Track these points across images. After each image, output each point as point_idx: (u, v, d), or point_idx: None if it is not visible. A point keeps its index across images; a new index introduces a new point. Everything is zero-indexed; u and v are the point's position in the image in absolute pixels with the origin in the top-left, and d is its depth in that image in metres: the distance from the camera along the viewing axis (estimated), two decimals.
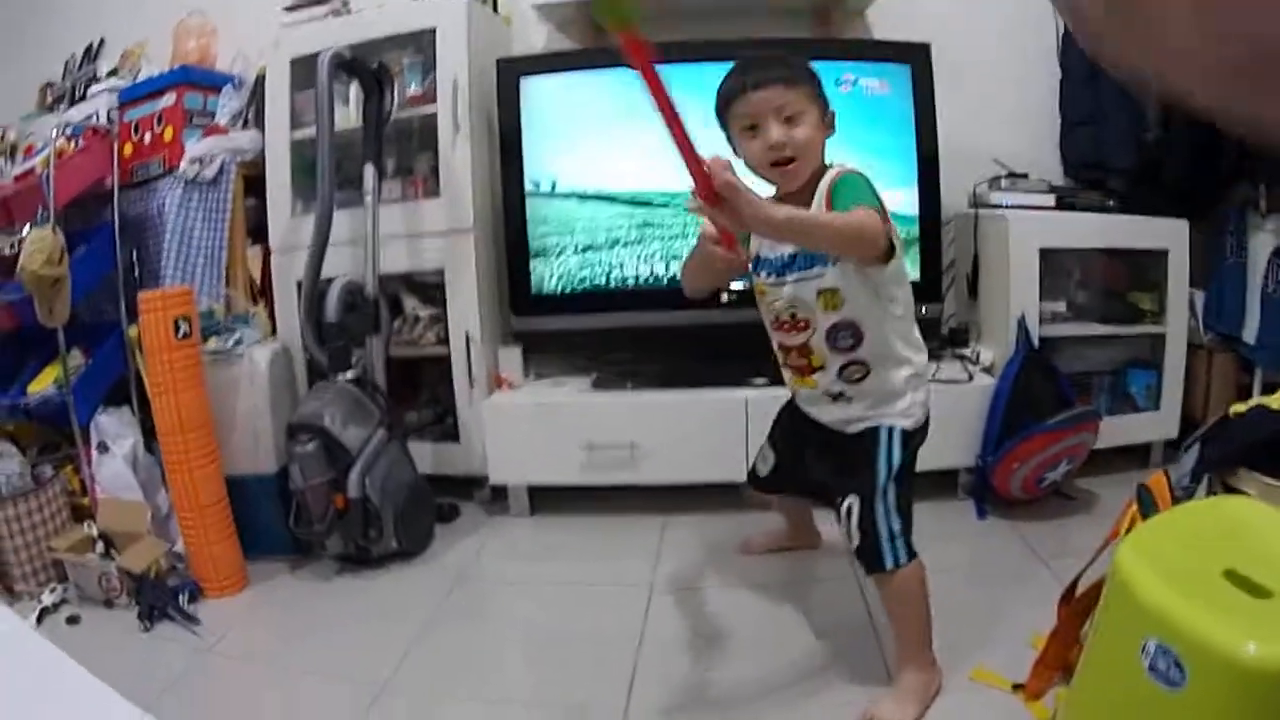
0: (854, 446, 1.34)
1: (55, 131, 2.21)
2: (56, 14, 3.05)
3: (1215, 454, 1.60)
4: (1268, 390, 1.91)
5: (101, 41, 2.97)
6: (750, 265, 1.34)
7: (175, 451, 1.82)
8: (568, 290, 2.12)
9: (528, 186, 2.10)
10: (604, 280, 2.10)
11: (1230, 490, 1.55)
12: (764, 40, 2.14)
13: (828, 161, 1.29)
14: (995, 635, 1.45)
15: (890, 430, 1.31)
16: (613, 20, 0.70)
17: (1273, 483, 1.47)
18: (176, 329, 1.80)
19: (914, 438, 1.34)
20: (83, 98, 2.99)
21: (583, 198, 2.10)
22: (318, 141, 1.92)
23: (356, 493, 1.82)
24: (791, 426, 1.50)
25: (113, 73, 2.72)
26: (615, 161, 2.06)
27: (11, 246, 2.31)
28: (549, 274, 2.12)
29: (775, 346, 1.39)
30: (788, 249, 1.29)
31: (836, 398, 1.34)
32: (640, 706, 1.33)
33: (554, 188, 2.10)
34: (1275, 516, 0.98)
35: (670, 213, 2.07)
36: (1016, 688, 1.30)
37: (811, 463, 1.46)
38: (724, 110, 1.29)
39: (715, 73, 1.31)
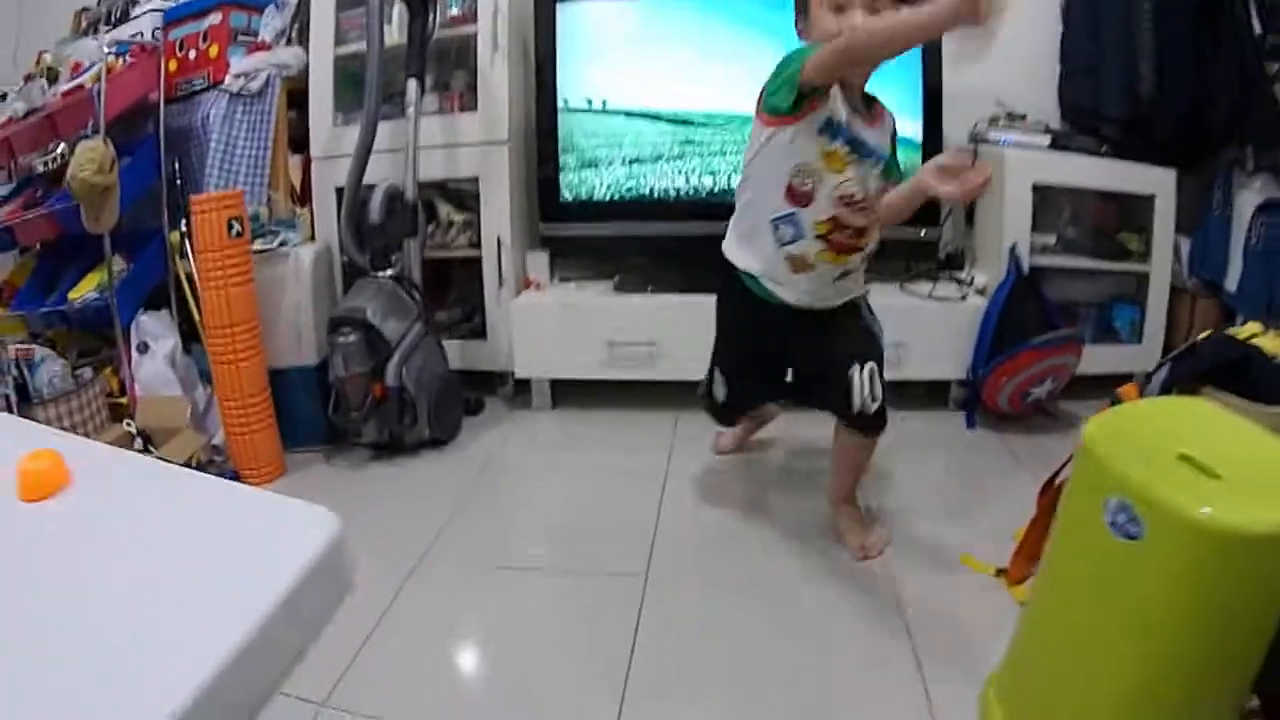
0: (847, 319, 1.49)
1: (104, 48, 2.37)
2: None
3: (1182, 371, 1.80)
4: None
5: None
6: (831, 136, 1.34)
7: (222, 345, 1.97)
8: (595, 199, 2.30)
9: (572, 103, 2.29)
10: (632, 192, 2.28)
11: None
12: None
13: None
14: (981, 528, 1.63)
15: (867, 300, 1.51)
16: None
17: (1232, 399, 1.67)
18: (229, 228, 1.95)
19: None
20: (120, 20, 3.14)
21: (625, 114, 2.28)
22: (367, 58, 2.09)
23: (394, 381, 1.99)
24: (761, 334, 1.55)
25: None
26: (651, 81, 2.27)
27: (52, 161, 2.46)
28: (589, 183, 2.30)
29: (820, 222, 1.39)
30: (883, 143, 1.40)
31: (847, 274, 1.48)
32: (658, 573, 1.51)
33: (603, 105, 2.28)
34: (1226, 415, 1.14)
35: (706, 130, 2.26)
36: (999, 572, 1.47)
37: (799, 356, 1.57)
38: None
39: None
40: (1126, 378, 2.41)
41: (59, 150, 2.45)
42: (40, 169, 2.49)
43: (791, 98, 1.29)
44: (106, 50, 2.36)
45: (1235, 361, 1.70)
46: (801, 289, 1.46)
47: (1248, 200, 2.36)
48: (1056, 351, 2.14)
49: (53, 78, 2.99)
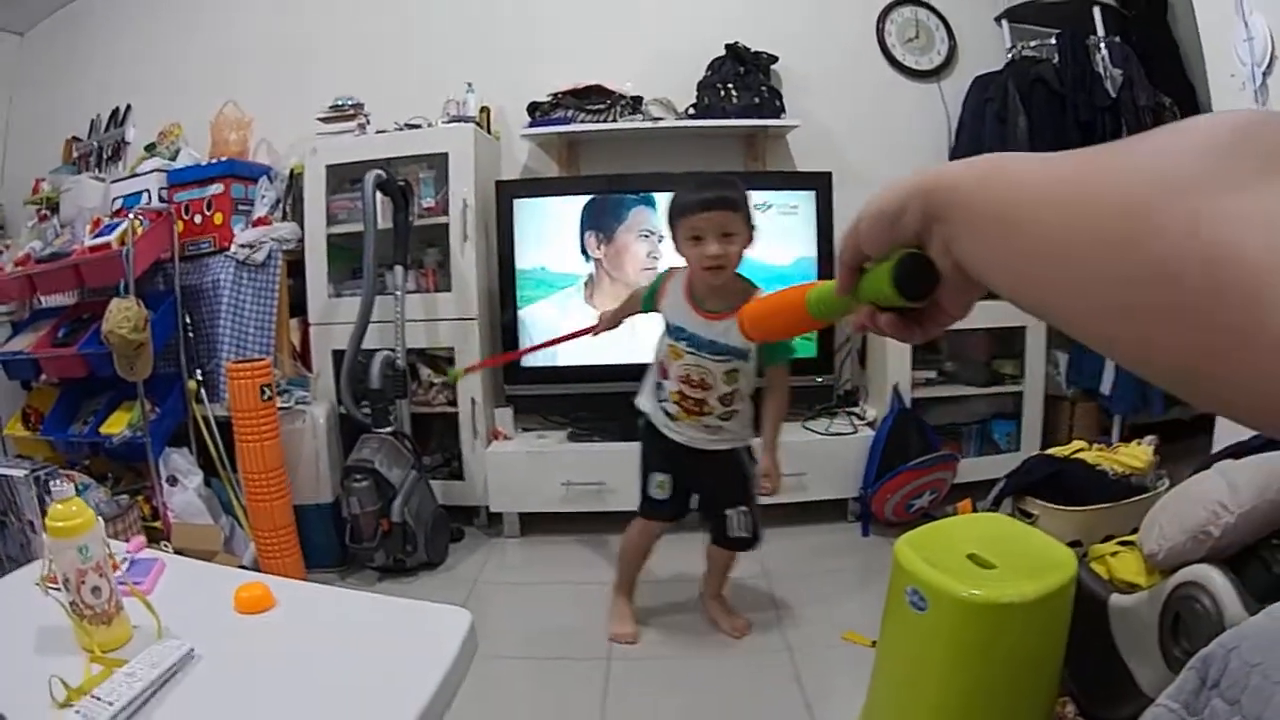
0: (728, 467, 2.22)
1: (109, 199, 3.06)
2: (84, 75, 3.82)
3: (1012, 485, 2.62)
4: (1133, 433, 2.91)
5: (129, 107, 3.78)
6: (672, 335, 2.11)
7: (257, 486, 2.72)
8: (550, 364, 3.10)
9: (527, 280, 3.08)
10: (580, 359, 3.07)
11: (1022, 511, 2.56)
12: (697, 173, 3.11)
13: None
14: (866, 611, 2.29)
15: (748, 449, 2.27)
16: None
17: (1047, 505, 2.48)
18: (262, 393, 2.69)
19: None
20: (113, 156, 3.81)
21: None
22: (364, 243, 2.83)
23: (399, 517, 2.75)
24: (675, 457, 2.22)
25: (150, 146, 3.54)
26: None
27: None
28: (544, 352, 3.08)
29: (673, 390, 2.13)
30: (725, 337, 2.04)
31: (715, 429, 2.17)
32: (618, 654, 2.30)
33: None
34: (1014, 523, 1.91)
35: None
36: (874, 644, 1.93)
37: (696, 486, 2.29)
38: (678, 218, 2.00)
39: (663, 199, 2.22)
40: None
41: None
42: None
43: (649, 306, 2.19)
44: (113, 200, 3.06)
45: (1051, 475, 2.51)
46: (681, 433, 2.19)
47: None
48: (930, 470, 2.97)
49: (52, 207, 3.66)
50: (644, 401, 2.27)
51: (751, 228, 2.05)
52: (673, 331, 2.13)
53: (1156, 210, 0.31)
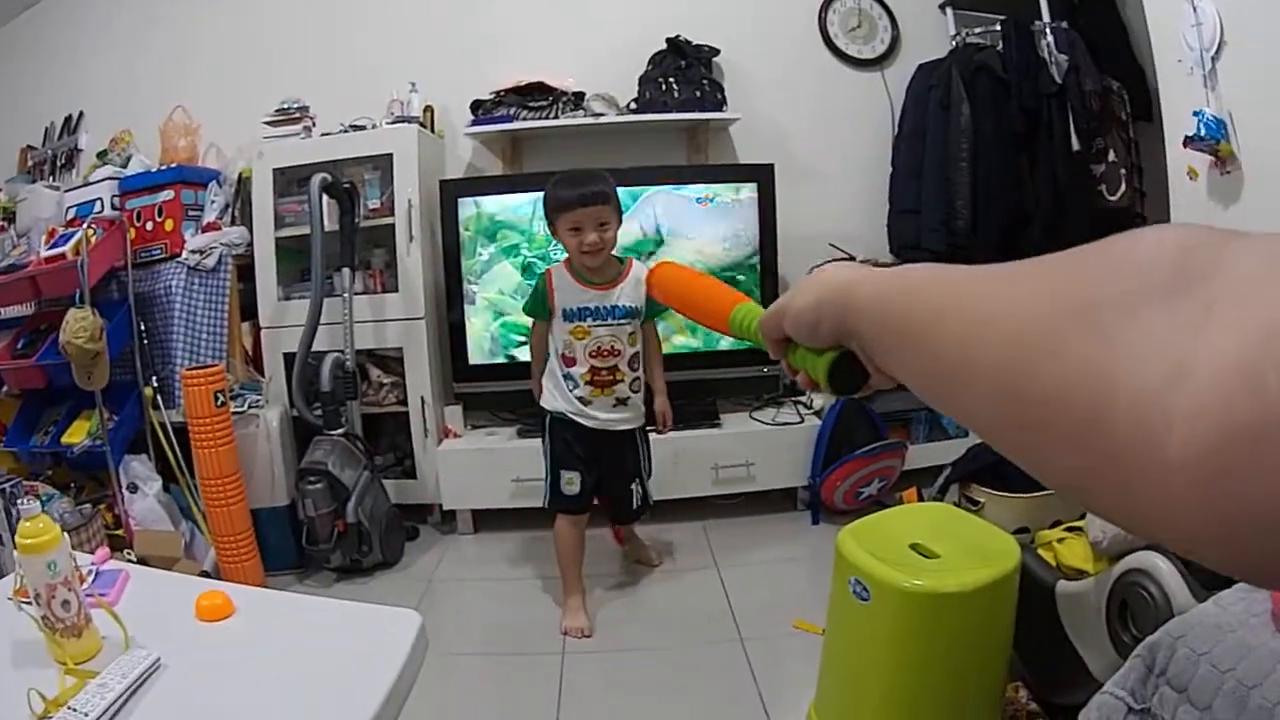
0: (629, 444, 2.54)
1: (63, 207, 3.16)
2: (37, 84, 3.93)
3: (955, 473, 2.75)
4: None
5: (81, 114, 3.88)
6: (564, 318, 2.40)
7: (214, 491, 2.86)
8: (497, 361, 3.25)
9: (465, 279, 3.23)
10: (524, 355, 3.20)
11: (968, 499, 2.69)
12: (644, 168, 3.29)
13: (618, 253, 2.46)
14: (822, 602, 2.08)
15: (644, 430, 2.55)
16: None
17: (992, 493, 2.61)
18: (216, 399, 2.82)
19: None
20: (66, 164, 3.92)
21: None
22: (311, 247, 2.96)
23: (354, 518, 2.89)
24: (585, 448, 2.48)
25: (102, 154, 3.65)
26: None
27: None
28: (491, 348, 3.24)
29: (583, 372, 2.41)
30: (620, 300, 2.39)
31: (622, 403, 2.46)
32: (571, 647, 2.44)
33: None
34: (959, 514, 2.01)
35: None
36: (824, 631, 1.98)
37: (605, 466, 2.53)
38: (557, 212, 2.32)
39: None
40: None
41: None
42: None
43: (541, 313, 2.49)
44: (67, 209, 3.17)
45: (996, 462, 2.64)
46: (593, 417, 2.44)
47: None
48: (878, 458, 3.10)
49: (9, 217, 3.76)
50: (550, 401, 2.50)
51: (620, 214, 2.40)
52: (574, 315, 2.42)
53: (1052, 334, 0.33)
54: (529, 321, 2.66)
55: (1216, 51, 2.36)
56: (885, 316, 0.48)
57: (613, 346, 2.42)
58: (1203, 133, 2.32)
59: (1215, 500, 0.26)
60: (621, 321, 2.42)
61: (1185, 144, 2.38)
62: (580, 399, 2.44)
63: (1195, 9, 2.39)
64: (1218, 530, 0.27)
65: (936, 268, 0.45)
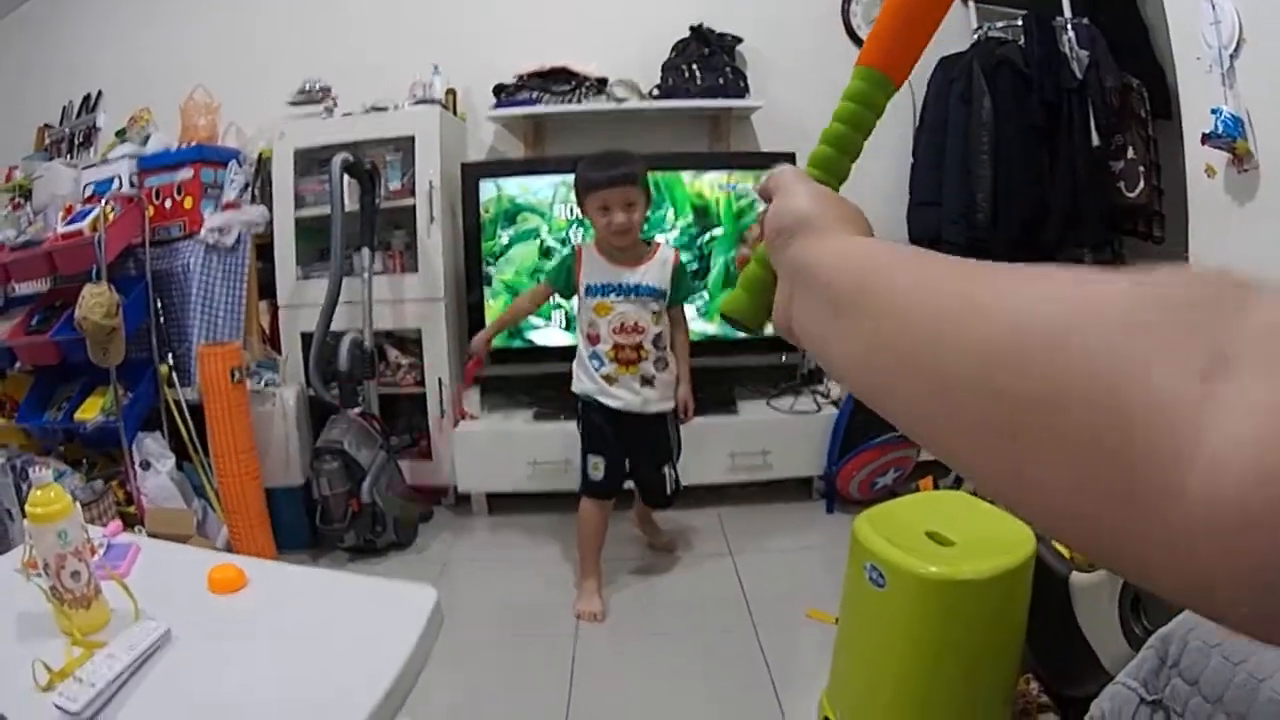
0: (660, 428, 2.57)
1: (80, 185, 3.19)
2: (55, 63, 3.96)
3: None
4: None
5: (99, 93, 3.92)
6: (588, 293, 2.47)
7: (229, 469, 2.89)
8: (516, 345, 3.27)
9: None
10: (543, 339, 3.28)
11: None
12: (668, 154, 3.32)
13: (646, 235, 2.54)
14: (836, 591, 2.09)
15: (674, 413, 2.58)
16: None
17: None
18: (232, 375, 2.84)
19: None
20: (84, 143, 3.95)
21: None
22: (331, 227, 2.99)
23: (368, 498, 2.92)
24: (613, 432, 2.53)
25: (120, 132, 3.68)
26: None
27: None
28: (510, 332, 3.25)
29: (607, 349, 2.46)
30: (645, 280, 2.45)
31: (648, 382, 2.50)
32: (583, 646, 2.45)
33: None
34: (974, 501, 2.01)
35: None
36: (838, 620, 2.01)
37: (635, 451, 2.58)
38: (587, 192, 2.37)
39: None
40: None
41: None
42: None
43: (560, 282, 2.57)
44: (85, 186, 3.19)
45: None
46: (619, 396, 2.49)
47: None
48: (894, 448, 3.12)
49: (25, 194, 3.80)
50: (578, 384, 2.55)
51: (649, 195, 2.47)
52: (599, 290, 2.48)
53: (1063, 328, 0.28)
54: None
55: (1235, 50, 2.39)
56: (846, 268, 0.43)
57: (636, 323, 2.46)
58: (1220, 130, 2.36)
59: (1243, 553, 0.22)
60: (646, 298, 2.47)
61: (1203, 141, 2.42)
62: (606, 377, 2.49)
63: (1214, 7, 2.42)
64: (1246, 591, 0.22)
65: (924, 250, 0.41)
